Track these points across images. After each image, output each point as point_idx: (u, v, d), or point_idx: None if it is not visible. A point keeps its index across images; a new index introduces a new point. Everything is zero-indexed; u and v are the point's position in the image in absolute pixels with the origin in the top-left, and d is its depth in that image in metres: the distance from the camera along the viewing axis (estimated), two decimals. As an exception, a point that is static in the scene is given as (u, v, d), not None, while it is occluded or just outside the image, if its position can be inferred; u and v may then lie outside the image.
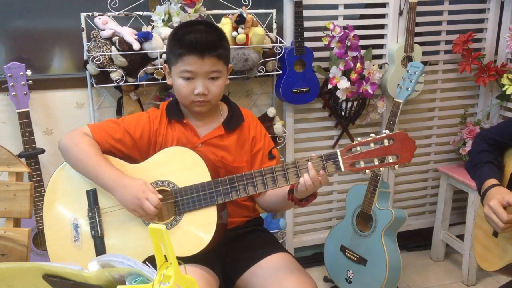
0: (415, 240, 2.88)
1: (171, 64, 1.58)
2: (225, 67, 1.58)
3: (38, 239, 2.06)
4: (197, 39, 1.50)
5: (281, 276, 1.50)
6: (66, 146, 1.53)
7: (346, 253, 2.34)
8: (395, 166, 1.36)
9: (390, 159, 1.36)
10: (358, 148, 1.37)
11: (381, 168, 1.37)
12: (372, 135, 1.38)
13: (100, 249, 1.50)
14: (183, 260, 0.87)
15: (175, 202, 1.47)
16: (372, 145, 1.37)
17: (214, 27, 1.62)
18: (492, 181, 1.58)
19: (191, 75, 1.53)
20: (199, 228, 1.45)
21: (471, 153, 1.75)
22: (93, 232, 1.50)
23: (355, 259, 2.30)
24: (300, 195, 1.44)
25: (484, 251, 1.73)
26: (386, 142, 1.36)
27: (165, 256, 0.85)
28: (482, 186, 1.60)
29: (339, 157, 1.38)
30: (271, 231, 1.84)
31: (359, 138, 1.38)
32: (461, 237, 2.64)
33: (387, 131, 1.38)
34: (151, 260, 0.96)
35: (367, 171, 1.37)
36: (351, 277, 2.33)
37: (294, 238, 2.64)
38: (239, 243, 1.65)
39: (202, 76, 1.53)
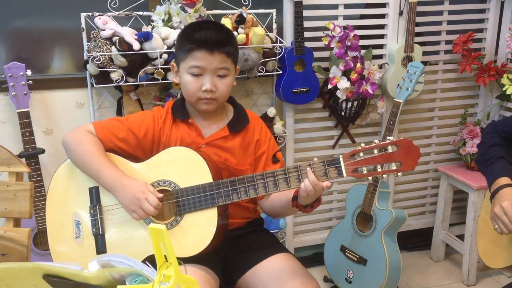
0: (415, 240, 2.88)
1: (180, 60, 1.58)
2: (233, 66, 1.59)
3: (38, 239, 2.06)
4: (207, 35, 1.51)
5: (284, 277, 1.50)
6: (69, 144, 1.53)
7: (346, 253, 2.34)
8: (398, 173, 1.34)
9: (394, 166, 1.34)
10: (361, 154, 1.35)
11: (383, 175, 1.36)
12: (376, 141, 1.36)
13: (100, 246, 1.50)
14: (182, 260, 0.87)
15: (176, 203, 1.47)
16: (375, 151, 1.35)
17: (224, 26, 1.65)
18: (505, 180, 1.56)
19: (200, 71, 1.53)
20: (199, 229, 1.44)
21: (483, 145, 1.71)
22: (94, 229, 1.51)
23: (355, 259, 2.30)
24: (304, 201, 1.43)
25: (489, 247, 1.70)
26: (389, 149, 1.34)
27: (165, 256, 0.86)
28: (494, 184, 1.58)
29: (342, 163, 1.37)
30: (271, 231, 1.84)
31: (362, 144, 1.36)
32: (461, 237, 2.64)
33: (391, 138, 1.36)
34: (151, 260, 0.96)
35: (369, 177, 1.36)
36: (351, 277, 2.33)
37: (294, 238, 2.64)
38: (241, 243, 1.65)
39: (210, 73, 1.53)
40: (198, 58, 1.52)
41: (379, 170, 1.35)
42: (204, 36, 1.51)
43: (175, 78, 1.63)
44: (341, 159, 1.37)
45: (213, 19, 2.17)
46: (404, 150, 1.33)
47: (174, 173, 1.48)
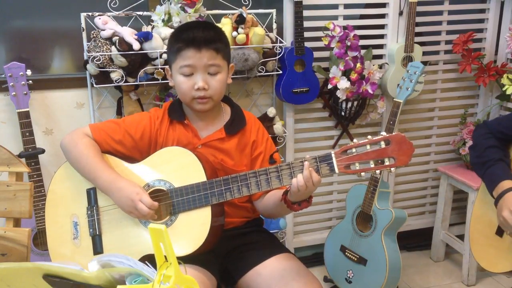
0: (415, 240, 2.88)
1: (171, 62, 1.58)
2: (225, 62, 1.58)
3: (38, 239, 2.06)
4: (195, 33, 1.52)
5: (287, 277, 1.50)
6: (66, 147, 1.55)
7: (346, 253, 2.34)
8: (391, 169, 1.33)
9: (387, 162, 1.33)
10: (354, 149, 1.34)
11: (377, 171, 1.35)
12: (369, 136, 1.35)
13: (97, 247, 1.50)
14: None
15: (171, 202, 1.47)
16: (368, 147, 1.34)
17: (213, 25, 1.64)
18: (508, 183, 1.54)
19: (190, 70, 1.53)
20: (193, 228, 1.44)
21: (477, 146, 1.69)
22: (91, 230, 1.51)
23: (355, 259, 2.30)
24: (294, 198, 1.43)
25: (487, 251, 1.69)
26: (382, 144, 1.33)
27: (165, 256, 0.85)
28: (497, 187, 1.56)
29: (334, 159, 1.36)
30: (271, 231, 1.84)
31: (355, 140, 1.35)
32: (461, 237, 2.64)
33: (384, 133, 1.35)
34: (148, 259, 0.96)
35: (362, 173, 1.34)
36: (351, 277, 2.33)
37: (294, 238, 2.64)
38: (242, 243, 1.64)
39: (201, 70, 1.52)
40: (187, 57, 1.52)
41: (372, 166, 1.33)
42: (192, 35, 1.52)
43: (171, 81, 1.63)
44: (333, 155, 1.36)
45: (213, 19, 2.18)
46: (397, 145, 1.32)
47: (169, 173, 1.48)
